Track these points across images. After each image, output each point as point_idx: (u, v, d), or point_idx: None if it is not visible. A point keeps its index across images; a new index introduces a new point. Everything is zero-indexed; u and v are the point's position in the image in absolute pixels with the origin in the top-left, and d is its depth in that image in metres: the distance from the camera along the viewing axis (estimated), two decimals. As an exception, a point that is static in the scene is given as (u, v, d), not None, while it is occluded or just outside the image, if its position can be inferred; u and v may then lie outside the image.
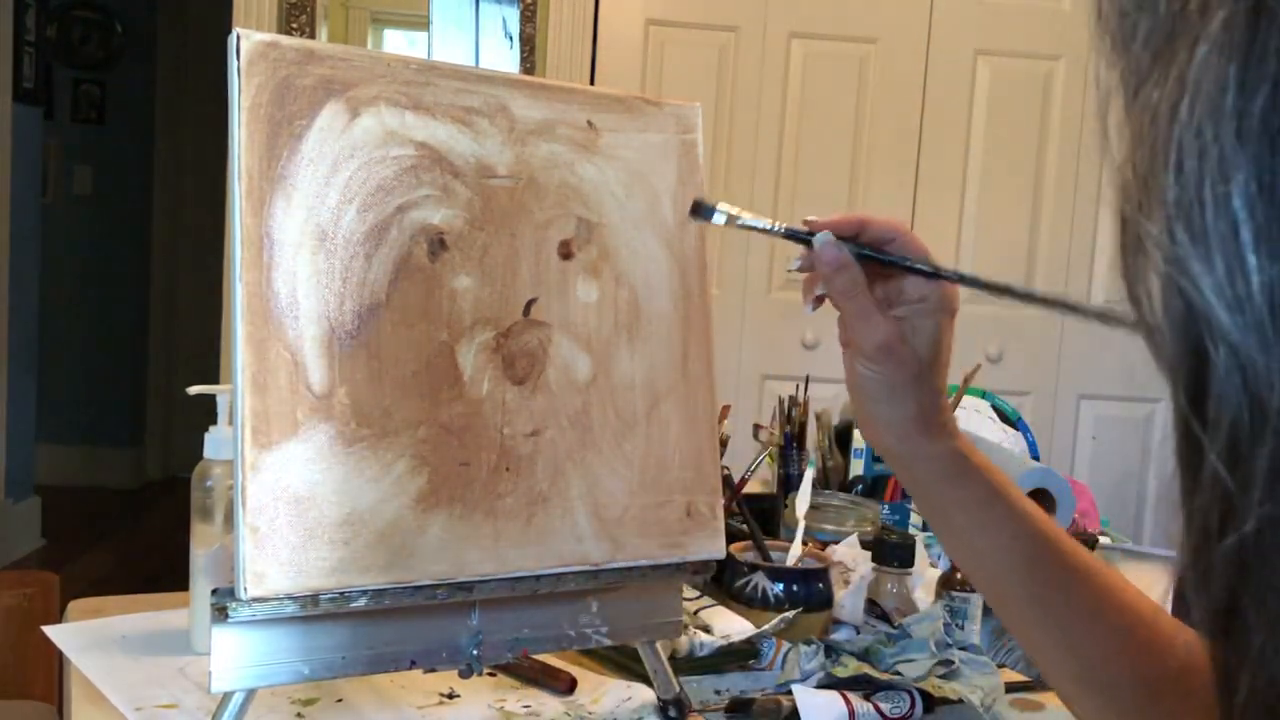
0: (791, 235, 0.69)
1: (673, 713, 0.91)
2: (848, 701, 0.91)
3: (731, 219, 0.72)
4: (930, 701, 0.94)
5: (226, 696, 0.74)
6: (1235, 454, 0.24)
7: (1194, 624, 0.27)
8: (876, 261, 0.67)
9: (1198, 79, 0.24)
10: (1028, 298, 0.60)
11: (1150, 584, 0.69)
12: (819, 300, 0.70)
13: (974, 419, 1.50)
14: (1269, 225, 0.23)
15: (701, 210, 0.72)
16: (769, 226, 0.70)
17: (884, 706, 0.92)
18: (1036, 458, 1.50)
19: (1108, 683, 0.62)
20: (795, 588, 1.06)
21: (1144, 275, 0.26)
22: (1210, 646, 0.27)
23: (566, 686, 0.95)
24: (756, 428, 1.43)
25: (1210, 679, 0.27)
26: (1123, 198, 0.26)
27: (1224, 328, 0.24)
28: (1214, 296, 0.24)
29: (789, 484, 1.34)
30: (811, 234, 0.69)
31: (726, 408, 1.23)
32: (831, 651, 1.00)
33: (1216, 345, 0.24)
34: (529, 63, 2.73)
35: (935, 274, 0.66)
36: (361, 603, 0.73)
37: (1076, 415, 2.86)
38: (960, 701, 0.96)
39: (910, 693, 0.93)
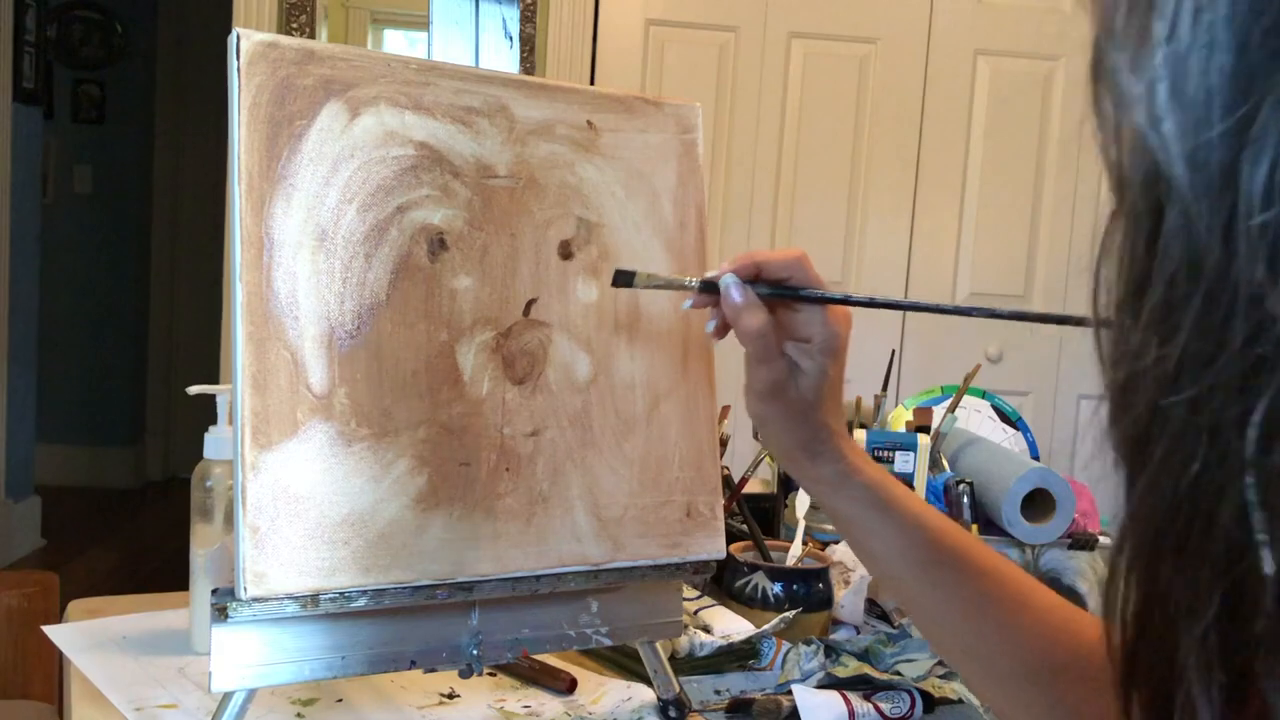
0: (706, 288, 0.71)
1: (673, 713, 0.91)
2: (848, 701, 0.91)
3: (649, 279, 0.74)
4: (930, 701, 0.95)
5: (226, 696, 0.74)
6: (1168, 306, 0.26)
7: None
8: (782, 298, 0.69)
9: None
10: (938, 310, 0.64)
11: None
12: (721, 330, 0.72)
13: (974, 419, 1.50)
14: (1238, 109, 0.25)
15: (621, 278, 0.74)
16: (685, 282, 0.72)
17: (884, 706, 0.92)
18: (1036, 458, 1.50)
19: (1006, 673, 0.66)
20: (795, 588, 1.06)
21: (1113, 111, 0.28)
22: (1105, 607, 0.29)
23: (566, 686, 0.95)
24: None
25: (1107, 659, 0.30)
26: (1111, 50, 0.28)
27: (1181, 189, 0.26)
28: (1179, 157, 0.26)
29: (789, 484, 1.34)
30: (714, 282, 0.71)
31: (727, 408, 1.23)
32: (831, 651, 1.00)
33: (1170, 203, 0.26)
34: (529, 63, 2.73)
35: (844, 301, 0.68)
36: (361, 603, 0.73)
37: (1076, 415, 2.86)
38: (960, 701, 0.96)
39: (910, 693, 0.93)
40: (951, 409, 1.39)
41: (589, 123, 0.84)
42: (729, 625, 1.03)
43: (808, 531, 1.17)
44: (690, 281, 0.72)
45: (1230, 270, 0.25)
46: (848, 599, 1.11)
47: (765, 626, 1.02)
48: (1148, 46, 0.27)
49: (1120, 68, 0.28)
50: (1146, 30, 0.27)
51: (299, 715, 0.88)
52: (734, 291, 0.69)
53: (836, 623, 1.11)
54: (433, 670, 0.82)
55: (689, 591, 1.08)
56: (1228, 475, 0.26)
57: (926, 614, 0.70)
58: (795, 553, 1.12)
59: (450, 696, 0.93)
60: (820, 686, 0.95)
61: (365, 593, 0.73)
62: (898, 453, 1.28)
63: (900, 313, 2.84)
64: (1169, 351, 0.27)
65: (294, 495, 0.71)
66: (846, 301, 0.68)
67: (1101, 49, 0.29)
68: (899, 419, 1.44)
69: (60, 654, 0.97)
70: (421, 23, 2.58)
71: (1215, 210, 0.25)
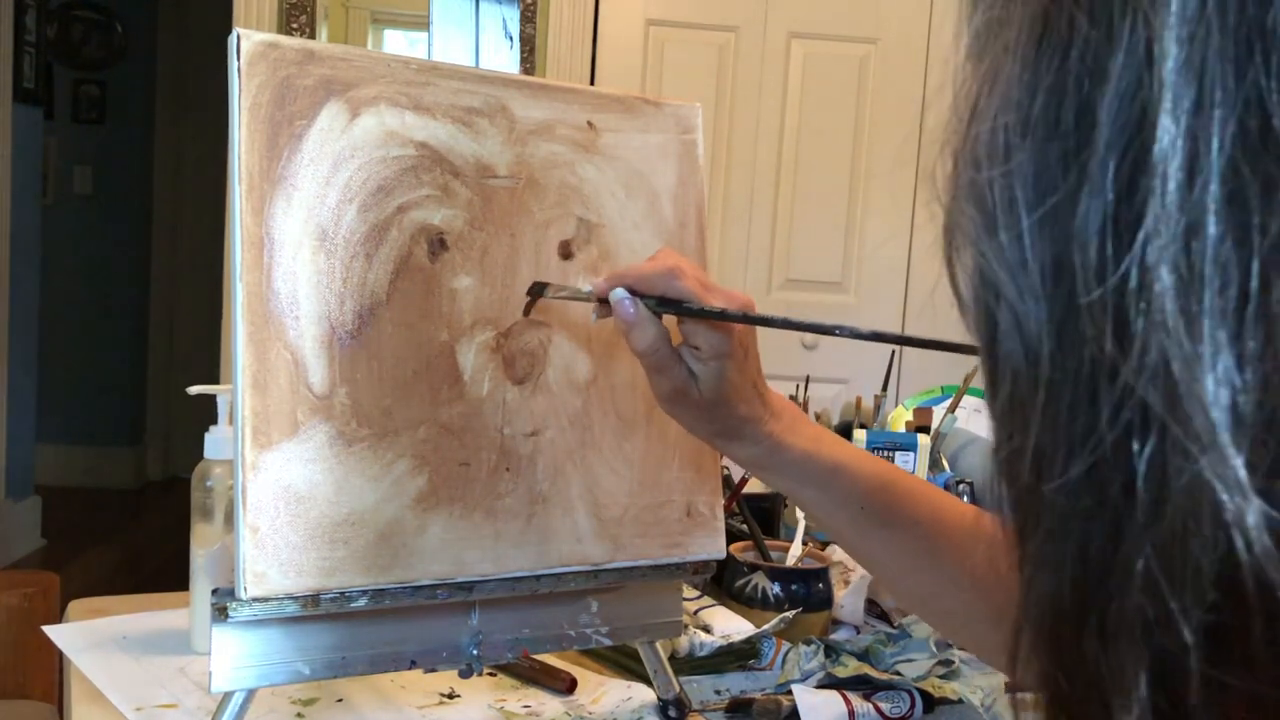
0: (604, 300, 0.72)
1: (673, 713, 0.91)
2: (848, 701, 0.91)
3: (555, 291, 0.78)
4: (930, 701, 0.95)
5: (226, 696, 0.74)
6: (1016, 403, 0.28)
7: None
8: (667, 313, 0.70)
9: (993, 80, 0.28)
10: (818, 329, 0.66)
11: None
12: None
13: (974, 419, 1.50)
14: (1040, 202, 0.27)
15: (534, 289, 0.78)
16: (586, 291, 0.74)
17: (884, 706, 0.92)
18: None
19: (964, 617, 0.70)
20: (795, 588, 1.06)
21: (960, 256, 0.30)
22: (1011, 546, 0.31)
23: (566, 686, 0.95)
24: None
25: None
26: (941, 187, 0.31)
27: (1007, 291, 0.27)
28: (998, 265, 0.27)
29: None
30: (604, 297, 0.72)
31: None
32: (831, 651, 1.00)
33: (1000, 308, 0.28)
34: (529, 63, 2.73)
35: (722, 316, 0.68)
36: (361, 603, 0.73)
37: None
38: (960, 701, 0.96)
39: (910, 693, 0.93)
40: (951, 409, 1.39)
41: (589, 123, 0.84)
42: (729, 625, 1.03)
43: (808, 531, 1.17)
44: (587, 291, 0.73)
45: (1068, 360, 0.26)
46: (848, 599, 1.11)
47: (765, 626, 1.02)
48: (961, 181, 0.29)
49: (947, 205, 0.30)
50: (960, 162, 0.30)
51: (299, 715, 0.88)
52: (625, 305, 0.70)
53: (836, 623, 1.11)
54: (433, 670, 0.82)
55: (689, 591, 1.08)
56: (1128, 550, 0.26)
57: (878, 568, 0.75)
58: (795, 553, 1.12)
59: (450, 696, 0.93)
60: (820, 686, 0.95)
61: (365, 593, 0.73)
62: (897, 453, 1.28)
63: (901, 312, 2.84)
64: (1024, 445, 0.28)
65: (294, 495, 0.71)
66: (723, 317, 0.68)
67: (941, 199, 0.31)
68: (899, 419, 1.44)
69: (60, 654, 0.97)
70: (421, 23, 2.58)
71: (1041, 305, 0.27)
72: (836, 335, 0.65)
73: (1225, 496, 0.23)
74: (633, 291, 0.70)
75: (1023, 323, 0.27)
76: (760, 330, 0.70)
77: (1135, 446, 0.25)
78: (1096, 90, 0.25)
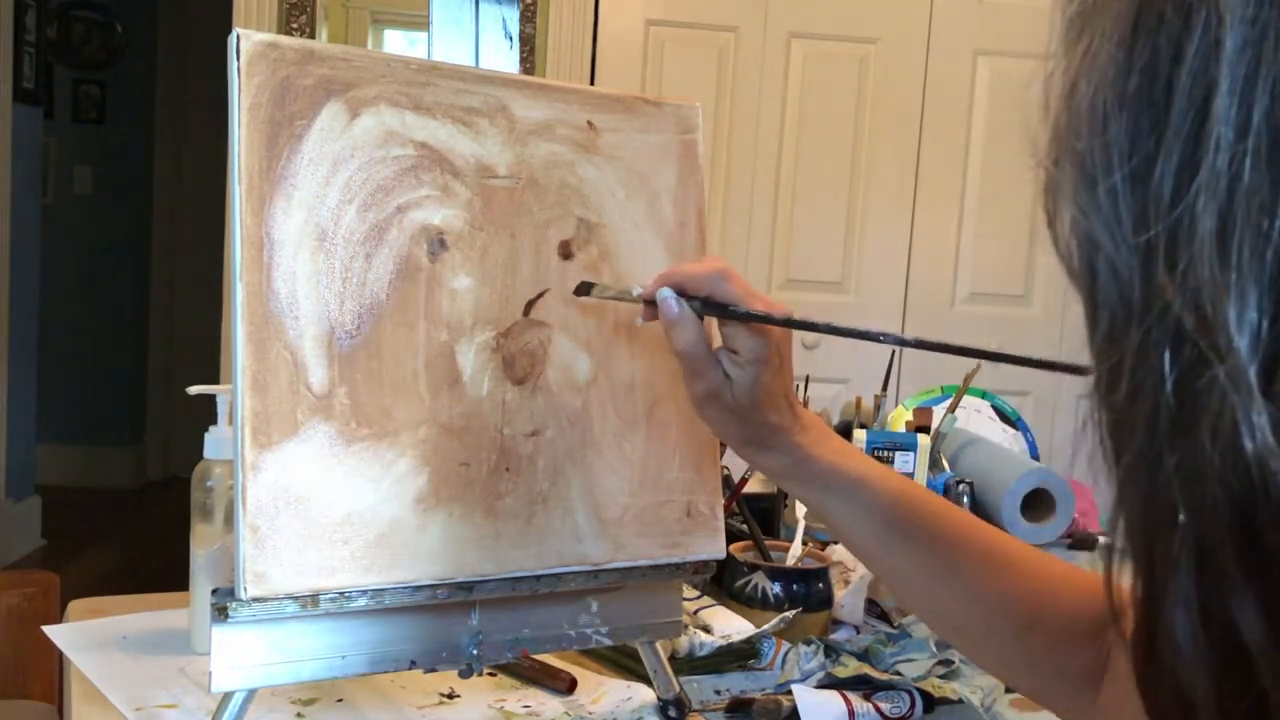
0: (651, 300, 0.73)
1: (673, 713, 0.91)
2: (848, 701, 0.91)
3: (603, 290, 0.79)
4: (930, 701, 0.94)
5: (226, 696, 0.74)
6: (1113, 337, 0.32)
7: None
8: (710, 314, 0.71)
9: (1093, 60, 0.33)
10: (856, 334, 0.68)
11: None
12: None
13: (974, 419, 1.50)
14: (1128, 164, 0.31)
15: (582, 288, 0.80)
16: (632, 293, 0.76)
17: (884, 706, 0.92)
18: (1036, 458, 1.50)
19: (977, 633, 0.71)
20: (795, 588, 1.06)
21: (1060, 213, 0.35)
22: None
23: (566, 686, 0.95)
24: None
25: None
26: (1043, 153, 0.35)
27: (1104, 242, 0.32)
28: (1096, 220, 0.32)
29: (789, 484, 1.34)
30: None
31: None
32: (831, 651, 1.00)
33: (1099, 258, 0.33)
34: (529, 63, 2.73)
35: (767, 320, 0.69)
36: (361, 603, 0.73)
37: (1076, 415, 2.86)
38: (960, 701, 0.96)
39: (910, 693, 0.93)
40: (951, 409, 1.39)
41: (589, 123, 0.84)
42: (729, 625, 1.03)
43: (808, 531, 1.17)
44: (635, 292, 0.74)
45: (1149, 293, 0.31)
46: (848, 599, 1.11)
47: (765, 626, 1.02)
48: (1065, 148, 0.34)
49: (1051, 164, 0.35)
50: (1062, 132, 0.34)
51: (299, 715, 0.88)
52: (670, 304, 0.71)
53: (836, 623, 1.11)
54: (433, 670, 0.82)
55: (689, 591, 1.08)
56: (1163, 447, 0.31)
57: (895, 581, 0.76)
58: (795, 553, 1.12)
59: (450, 696, 0.93)
60: (820, 686, 0.95)
61: (365, 593, 0.73)
62: (898, 453, 1.28)
63: (901, 312, 2.84)
64: (1120, 365, 0.32)
65: (294, 495, 0.71)
66: (769, 320, 0.69)
67: (1045, 163, 0.35)
68: (899, 419, 1.44)
69: (60, 654, 0.97)
70: (421, 23, 2.58)
71: (1133, 253, 0.31)
72: (880, 342, 0.66)
73: (1236, 398, 0.29)
74: (680, 292, 0.72)
75: (1118, 270, 0.32)
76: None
77: (1169, 357, 0.30)
78: (1176, 69, 0.31)
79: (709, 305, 0.71)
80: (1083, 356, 0.36)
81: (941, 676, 0.99)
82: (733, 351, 0.71)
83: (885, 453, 1.27)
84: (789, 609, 1.04)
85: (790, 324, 0.69)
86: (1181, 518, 0.31)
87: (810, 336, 2.65)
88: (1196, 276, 0.29)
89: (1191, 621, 0.31)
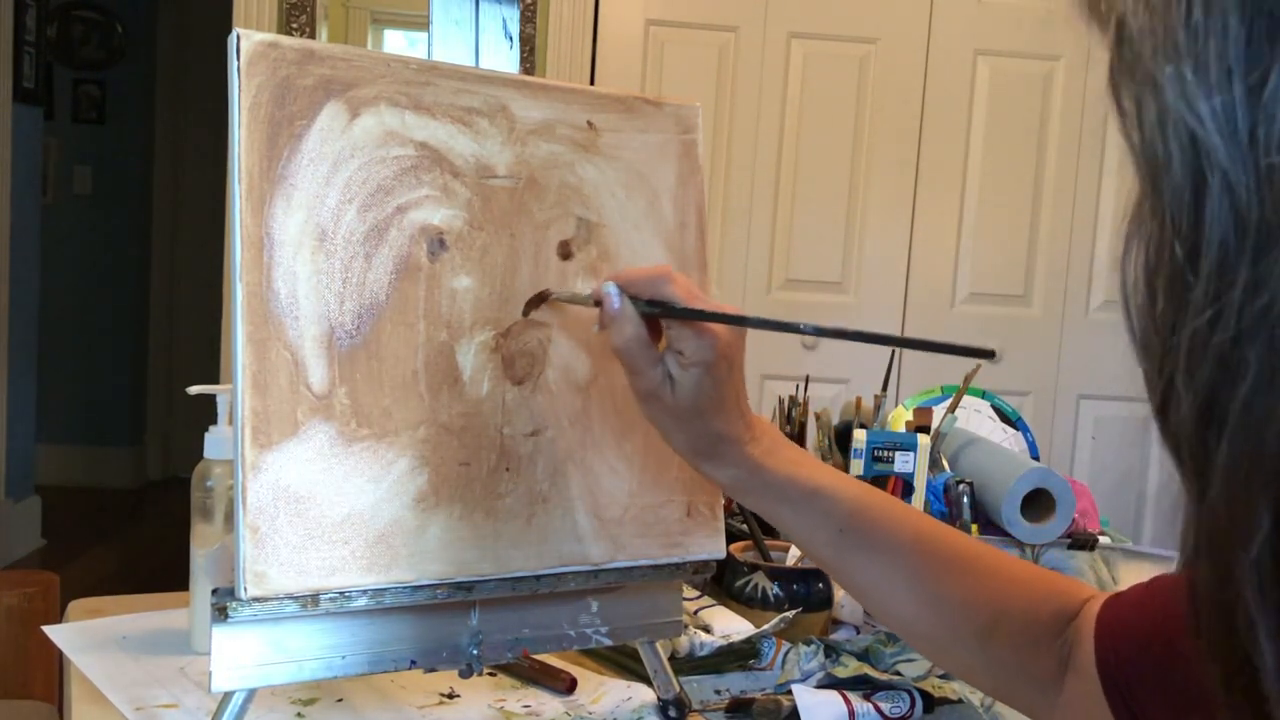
0: (599, 302, 0.73)
1: (673, 713, 0.91)
2: (848, 701, 0.91)
3: (559, 294, 0.80)
4: (930, 701, 0.95)
5: (226, 696, 0.74)
6: (1224, 266, 0.30)
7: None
8: (653, 315, 0.71)
9: None
10: (776, 326, 0.68)
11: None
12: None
13: (974, 419, 1.50)
14: (1251, 75, 0.29)
15: (533, 301, 0.80)
16: (586, 298, 0.76)
17: (884, 706, 0.92)
18: (1036, 458, 1.50)
19: (940, 638, 0.71)
20: (795, 588, 1.06)
21: (1142, 103, 0.32)
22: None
23: (566, 686, 0.95)
24: (756, 428, 1.42)
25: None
26: (1134, 35, 0.32)
27: (1219, 155, 0.30)
28: (1213, 128, 0.30)
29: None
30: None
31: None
32: (831, 651, 1.00)
33: (1213, 171, 0.30)
34: (529, 63, 2.73)
35: (703, 315, 0.69)
36: (361, 603, 0.73)
37: (1076, 415, 2.86)
38: (960, 701, 0.96)
39: (910, 693, 0.93)
40: (951, 409, 1.39)
41: (589, 123, 0.84)
42: (729, 625, 1.03)
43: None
44: (586, 295, 0.75)
45: (1266, 219, 0.29)
46: (847, 599, 1.11)
47: (765, 626, 1.02)
48: (1171, 34, 0.31)
49: (1147, 57, 0.32)
50: (1169, 20, 0.31)
51: (299, 715, 0.88)
52: (613, 299, 0.71)
53: (836, 623, 1.11)
54: (433, 670, 0.82)
55: (689, 591, 1.08)
56: (1251, 392, 0.29)
57: (858, 591, 0.75)
58: (795, 553, 1.12)
59: (450, 696, 0.93)
60: (820, 686, 0.95)
61: (365, 593, 0.73)
62: (898, 453, 1.28)
63: (901, 312, 2.84)
64: (1226, 304, 0.30)
65: (294, 495, 0.71)
66: (702, 316, 0.69)
67: (1125, 45, 0.32)
68: (899, 419, 1.44)
69: (60, 654, 0.97)
70: (421, 23, 2.58)
71: (1250, 170, 0.29)
72: (801, 332, 0.66)
73: None
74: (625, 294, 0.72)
75: (1234, 188, 0.29)
76: (764, 331, 0.71)
77: (1271, 293, 0.28)
78: None
79: (652, 304, 0.71)
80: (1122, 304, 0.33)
81: (941, 676, 0.99)
82: (679, 353, 0.70)
83: (885, 453, 1.27)
84: (789, 609, 1.04)
85: (722, 318, 0.69)
86: (1274, 468, 0.29)
87: (810, 338, 2.64)
88: None
89: (1264, 581, 0.30)
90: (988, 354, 0.62)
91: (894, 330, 2.79)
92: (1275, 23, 0.29)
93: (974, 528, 1.22)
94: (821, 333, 0.66)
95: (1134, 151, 0.32)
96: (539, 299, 0.80)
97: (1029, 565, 0.71)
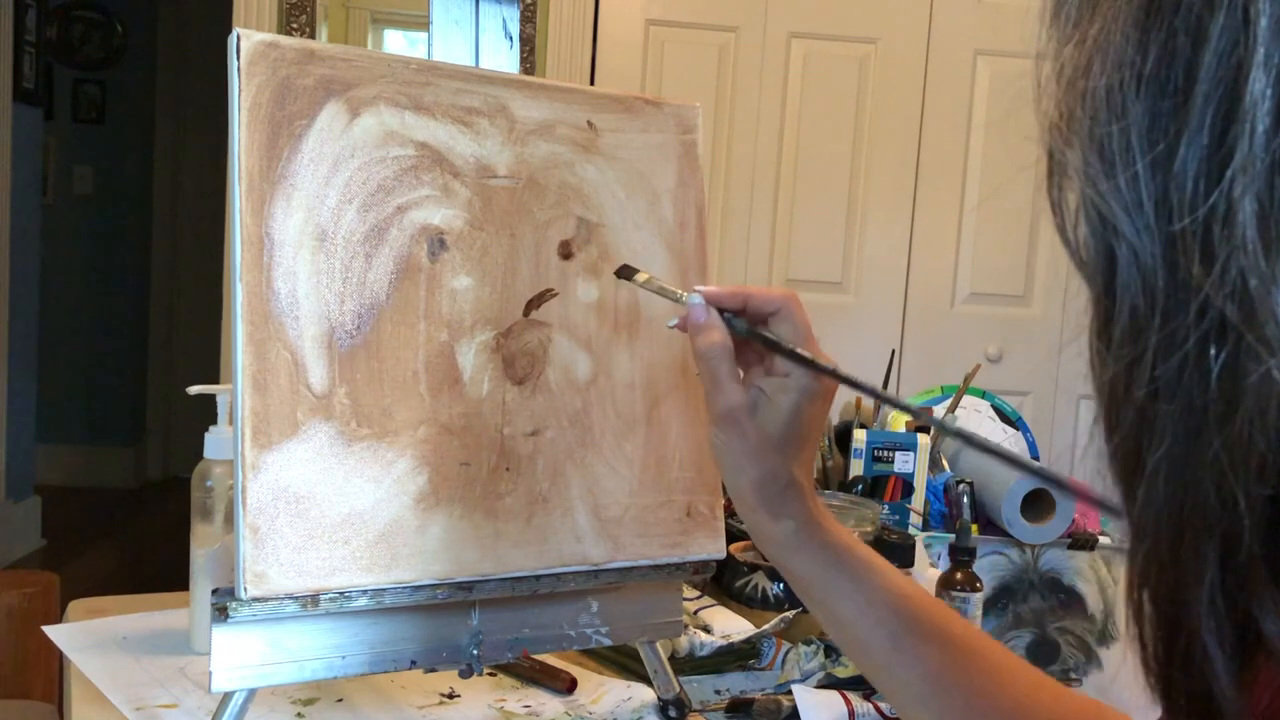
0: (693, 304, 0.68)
1: (673, 713, 0.91)
2: (847, 701, 0.91)
3: (647, 281, 0.74)
4: (930, 701, 0.94)
5: (226, 696, 0.74)
6: (1135, 329, 0.31)
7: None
8: (755, 340, 0.66)
9: (1105, 42, 0.31)
10: (896, 405, 0.66)
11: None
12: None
13: (974, 419, 1.50)
14: (1151, 149, 0.30)
15: (624, 272, 0.76)
16: (677, 295, 0.70)
17: (884, 706, 0.92)
18: (1036, 458, 1.50)
19: None
20: (795, 588, 1.06)
21: (1066, 198, 0.34)
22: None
23: (566, 686, 0.95)
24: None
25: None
26: (1051, 137, 0.34)
27: (1124, 228, 0.31)
28: (1117, 205, 0.31)
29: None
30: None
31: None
32: (831, 651, 1.00)
33: (1120, 244, 0.31)
34: (529, 63, 2.73)
35: (804, 362, 0.64)
36: (361, 603, 0.73)
37: (1076, 415, 2.86)
38: (960, 701, 0.96)
39: (910, 693, 0.93)
40: (951, 409, 1.39)
41: (589, 123, 0.84)
42: (729, 625, 1.03)
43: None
44: (681, 296, 0.69)
45: (1176, 284, 0.30)
46: (848, 599, 1.11)
47: (765, 626, 1.02)
48: (1077, 127, 0.33)
49: (1060, 154, 0.34)
50: (1074, 114, 0.33)
51: (299, 715, 0.88)
52: (697, 310, 0.66)
53: (836, 623, 1.11)
54: (433, 670, 0.82)
55: (689, 591, 1.08)
56: (1203, 443, 0.30)
57: (893, 682, 0.66)
58: (795, 553, 1.12)
59: (450, 696, 0.93)
60: (820, 686, 0.95)
61: (365, 593, 0.73)
62: (898, 453, 1.28)
63: (901, 312, 2.84)
64: (1142, 359, 0.31)
65: (294, 495, 0.71)
66: (812, 366, 0.64)
67: (1053, 150, 0.34)
68: (899, 419, 1.44)
69: (60, 654, 0.97)
70: (421, 23, 2.58)
71: (1157, 239, 0.30)
72: (917, 418, 0.63)
73: None
74: (739, 310, 0.67)
75: (1139, 256, 0.31)
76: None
77: (1212, 352, 0.29)
78: (1199, 50, 0.29)
79: (753, 332, 0.66)
80: (1084, 353, 0.35)
81: (941, 676, 0.99)
82: (783, 374, 0.65)
83: (885, 453, 1.27)
84: (789, 609, 1.04)
85: (829, 373, 0.63)
86: (1213, 515, 0.30)
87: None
88: (1238, 267, 0.28)
89: (1218, 620, 0.30)
90: (1064, 485, 0.55)
91: (894, 334, 2.79)
92: (1176, 103, 0.30)
93: (974, 528, 1.22)
94: (954, 434, 0.60)
95: (1060, 237, 0.34)
96: (625, 273, 0.75)
97: (1056, 683, 0.64)
